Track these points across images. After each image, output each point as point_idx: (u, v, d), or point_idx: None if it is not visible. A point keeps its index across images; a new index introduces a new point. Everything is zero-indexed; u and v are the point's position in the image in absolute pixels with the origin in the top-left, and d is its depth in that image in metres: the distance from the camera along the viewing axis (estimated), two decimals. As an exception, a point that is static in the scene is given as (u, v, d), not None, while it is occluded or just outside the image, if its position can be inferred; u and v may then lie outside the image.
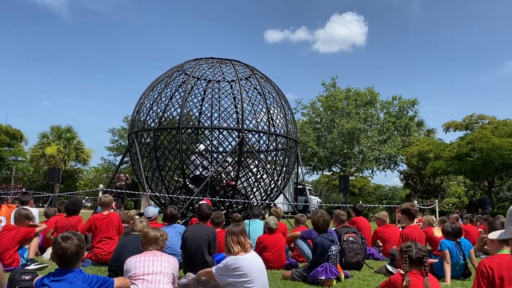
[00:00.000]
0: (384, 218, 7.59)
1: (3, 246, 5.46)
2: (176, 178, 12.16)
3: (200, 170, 11.83)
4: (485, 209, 18.47)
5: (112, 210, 6.98)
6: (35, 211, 6.70)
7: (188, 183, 11.91)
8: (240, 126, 11.41)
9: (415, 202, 13.33)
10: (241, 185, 12.45)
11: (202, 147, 12.85)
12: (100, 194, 10.40)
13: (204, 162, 12.34)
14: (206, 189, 11.36)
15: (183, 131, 11.36)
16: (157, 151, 11.60)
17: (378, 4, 68.51)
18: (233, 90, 13.56)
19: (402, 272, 3.49)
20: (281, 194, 12.71)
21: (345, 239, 6.53)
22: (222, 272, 3.76)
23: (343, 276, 5.46)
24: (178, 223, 6.77)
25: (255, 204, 11.61)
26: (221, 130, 13.07)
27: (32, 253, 5.79)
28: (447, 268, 5.46)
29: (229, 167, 12.40)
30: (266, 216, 10.58)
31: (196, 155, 12.17)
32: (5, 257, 5.39)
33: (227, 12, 77.26)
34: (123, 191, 13.47)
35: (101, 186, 10.63)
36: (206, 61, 12.14)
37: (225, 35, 75.98)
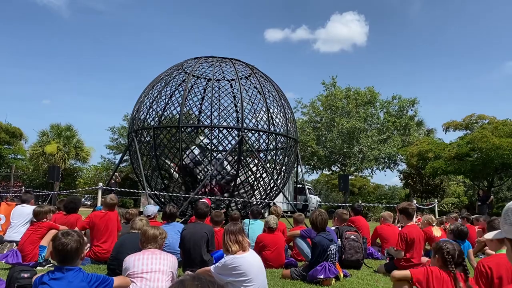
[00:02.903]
0: (387, 217, 7.64)
1: (31, 241, 5.70)
2: (173, 167, 12.11)
3: (194, 165, 11.81)
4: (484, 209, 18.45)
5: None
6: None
7: (177, 172, 11.86)
8: (240, 125, 11.40)
9: (414, 201, 13.33)
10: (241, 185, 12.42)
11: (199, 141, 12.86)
12: (100, 192, 10.41)
13: (200, 157, 12.27)
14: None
15: (182, 129, 11.36)
16: (156, 149, 11.59)
17: (378, 4, 68.41)
18: (233, 89, 13.54)
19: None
20: (281, 193, 12.71)
21: (346, 236, 6.54)
22: (221, 271, 3.76)
23: (342, 275, 5.46)
24: (177, 221, 6.78)
25: (254, 203, 11.61)
26: (221, 129, 13.07)
27: (49, 253, 5.82)
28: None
29: (228, 166, 12.40)
30: (266, 215, 10.58)
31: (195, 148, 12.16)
32: (28, 252, 5.64)
33: (227, 11, 77.20)
34: (112, 188, 13.52)
35: (101, 184, 10.61)
36: (206, 60, 12.13)
37: (225, 33, 75.92)
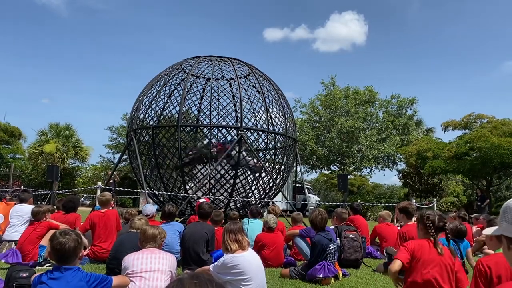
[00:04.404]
0: (386, 217, 7.66)
1: (30, 241, 5.71)
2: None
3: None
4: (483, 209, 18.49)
5: (111, 207, 6.95)
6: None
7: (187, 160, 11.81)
8: (239, 125, 11.40)
9: (413, 201, 13.34)
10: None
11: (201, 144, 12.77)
12: (99, 192, 10.38)
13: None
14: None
15: (181, 129, 11.35)
16: (155, 149, 11.58)
17: (378, 3, 68.39)
18: (232, 89, 13.53)
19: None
20: (280, 193, 12.70)
21: (345, 235, 6.55)
22: (220, 270, 3.76)
23: (341, 275, 5.47)
24: (176, 221, 6.77)
25: (253, 202, 11.61)
26: (220, 128, 13.05)
27: (47, 252, 5.83)
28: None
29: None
30: (265, 214, 10.58)
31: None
32: (28, 251, 5.66)
33: (226, 10, 77.10)
34: (111, 188, 13.50)
35: (100, 183, 10.60)
36: (205, 59, 12.12)
37: (224, 33, 75.80)
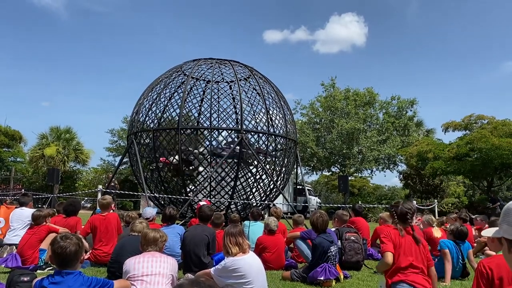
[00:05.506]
0: (387, 218, 7.63)
1: (30, 245, 5.70)
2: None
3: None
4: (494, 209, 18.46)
5: (112, 211, 6.95)
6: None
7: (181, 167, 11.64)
8: (239, 127, 11.40)
9: (414, 202, 13.33)
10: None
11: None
12: (99, 195, 10.39)
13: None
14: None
15: (182, 131, 11.35)
16: (156, 151, 11.58)
17: (377, 5, 68.58)
18: (232, 91, 13.54)
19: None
20: (281, 195, 12.69)
21: (346, 237, 6.54)
22: (221, 273, 3.75)
23: (342, 277, 5.46)
24: (177, 223, 6.76)
25: (254, 204, 11.60)
26: (220, 131, 13.06)
27: (48, 256, 5.81)
28: (448, 267, 5.45)
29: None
30: (266, 216, 10.58)
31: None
32: (28, 256, 5.65)
33: (226, 12, 77.31)
34: (112, 191, 13.51)
35: (100, 187, 10.61)
36: (205, 62, 12.12)
37: (224, 35, 76.01)
